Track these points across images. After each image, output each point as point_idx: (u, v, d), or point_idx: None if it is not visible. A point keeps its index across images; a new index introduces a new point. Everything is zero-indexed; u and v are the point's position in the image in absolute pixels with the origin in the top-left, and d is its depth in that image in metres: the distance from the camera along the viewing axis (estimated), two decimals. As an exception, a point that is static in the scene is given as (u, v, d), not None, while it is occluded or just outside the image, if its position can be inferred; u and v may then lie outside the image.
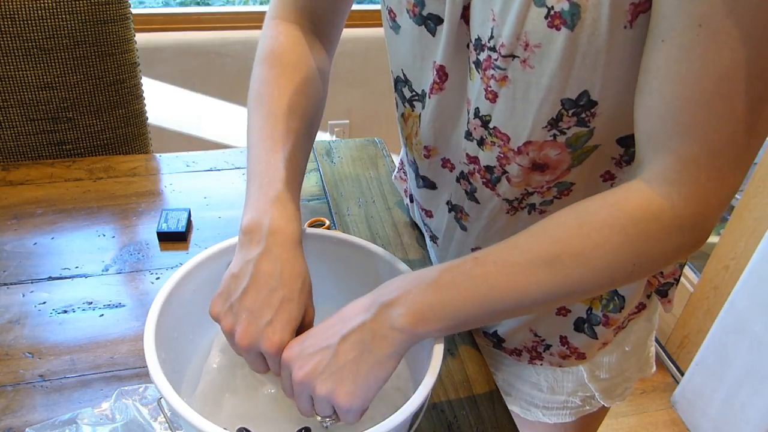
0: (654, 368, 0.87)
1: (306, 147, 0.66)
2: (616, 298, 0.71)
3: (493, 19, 0.52)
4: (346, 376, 0.52)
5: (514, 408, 0.87)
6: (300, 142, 0.65)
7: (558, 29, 0.49)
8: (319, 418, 0.55)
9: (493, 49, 0.54)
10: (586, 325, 0.74)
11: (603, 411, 0.88)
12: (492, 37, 0.53)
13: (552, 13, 0.48)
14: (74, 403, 0.70)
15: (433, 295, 0.52)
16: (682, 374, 1.86)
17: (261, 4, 2.13)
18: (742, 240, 1.69)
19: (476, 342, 0.80)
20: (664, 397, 1.91)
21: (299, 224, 0.60)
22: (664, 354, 2.01)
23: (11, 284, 0.83)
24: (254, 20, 1.89)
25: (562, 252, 0.50)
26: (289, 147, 0.63)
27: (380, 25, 2.13)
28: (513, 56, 0.52)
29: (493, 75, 0.55)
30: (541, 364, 0.81)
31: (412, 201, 0.94)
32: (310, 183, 1.05)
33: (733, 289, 1.62)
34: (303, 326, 0.58)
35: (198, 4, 2.09)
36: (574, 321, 0.74)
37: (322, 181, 1.06)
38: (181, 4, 2.07)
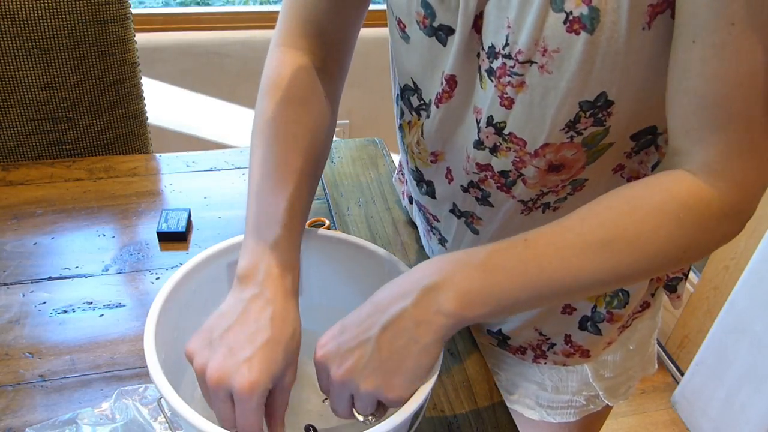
0: (656, 366, 0.88)
1: (311, 187, 0.64)
2: (620, 293, 0.71)
3: (509, 26, 0.52)
4: (393, 368, 0.50)
5: (518, 408, 0.87)
6: (304, 182, 0.62)
7: (577, 34, 0.49)
8: (361, 418, 0.53)
9: (508, 56, 0.53)
10: (589, 323, 0.74)
11: (606, 410, 0.88)
12: (507, 44, 0.53)
13: (571, 18, 0.48)
14: (74, 403, 0.70)
15: (481, 278, 0.50)
16: (682, 374, 1.86)
17: (261, 4, 2.13)
18: (742, 240, 1.69)
19: (476, 342, 0.80)
20: (664, 397, 1.91)
21: (297, 274, 0.58)
22: (664, 354, 2.01)
23: (11, 284, 0.83)
24: (254, 20, 1.89)
25: (616, 236, 0.49)
26: (291, 188, 0.60)
27: (381, 26, 2.12)
28: (531, 62, 0.52)
29: (509, 82, 0.55)
30: (545, 363, 0.81)
31: (411, 202, 0.94)
32: (310, 183, 1.05)
33: (733, 289, 1.62)
34: (280, 385, 0.54)
35: (198, 4, 2.09)
36: (579, 319, 0.74)
37: (322, 181, 1.06)
38: (181, 4, 2.07)
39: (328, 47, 0.69)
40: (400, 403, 0.51)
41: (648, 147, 0.60)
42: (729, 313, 1.64)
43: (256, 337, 0.52)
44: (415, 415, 0.54)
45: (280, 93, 0.65)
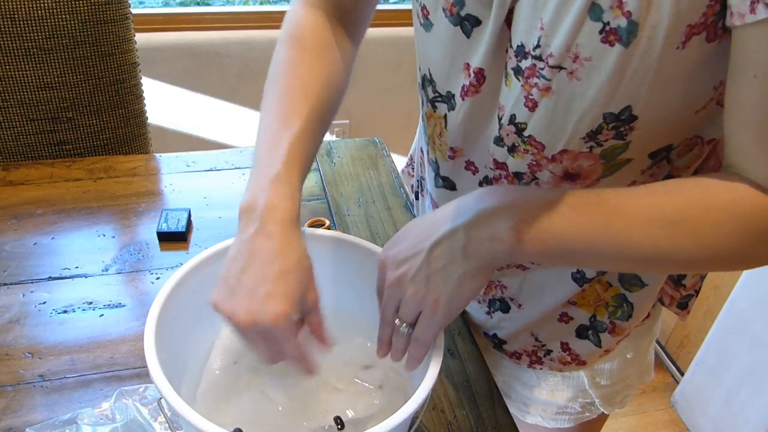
0: (652, 375, 0.87)
1: (317, 132, 0.64)
2: (624, 305, 0.71)
3: (542, 28, 0.52)
4: (435, 285, 0.52)
5: (512, 410, 0.87)
6: (310, 125, 0.62)
7: (612, 45, 0.49)
8: (397, 322, 0.56)
9: (538, 58, 0.53)
10: (590, 332, 0.74)
11: (602, 418, 0.88)
12: (538, 46, 0.53)
13: (608, 28, 0.48)
14: (74, 403, 0.70)
15: (547, 214, 0.50)
16: (682, 374, 1.86)
17: (261, 4, 2.13)
18: (742, 240, 1.69)
19: (476, 342, 0.80)
20: (664, 397, 1.91)
21: (297, 203, 0.58)
22: (664, 354, 2.01)
23: (11, 284, 0.83)
24: (254, 20, 1.89)
25: (682, 218, 0.50)
26: (296, 128, 0.60)
27: (383, 25, 2.11)
28: (560, 68, 0.52)
29: (536, 84, 0.54)
30: (541, 368, 0.81)
31: (417, 198, 0.94)
32: (310, 183, 1.05)
33: (733, 289, 1.62)
34: (306, 307, 0.56)
35: (198, 4, 2.09)
36: (576, 328, 0.74)
37: (322, 181, 1.06)
38: (181, 4, 2.06)
39: (345, 11, 0.71)
40: (434, 319, 0.53)
41: (661, 162, 0.60)
42: (729, 313, 1.64)
43: (268, 273, 0.53)
44: (415, 415, 0.55)
45: (298, 43, 0.67)
